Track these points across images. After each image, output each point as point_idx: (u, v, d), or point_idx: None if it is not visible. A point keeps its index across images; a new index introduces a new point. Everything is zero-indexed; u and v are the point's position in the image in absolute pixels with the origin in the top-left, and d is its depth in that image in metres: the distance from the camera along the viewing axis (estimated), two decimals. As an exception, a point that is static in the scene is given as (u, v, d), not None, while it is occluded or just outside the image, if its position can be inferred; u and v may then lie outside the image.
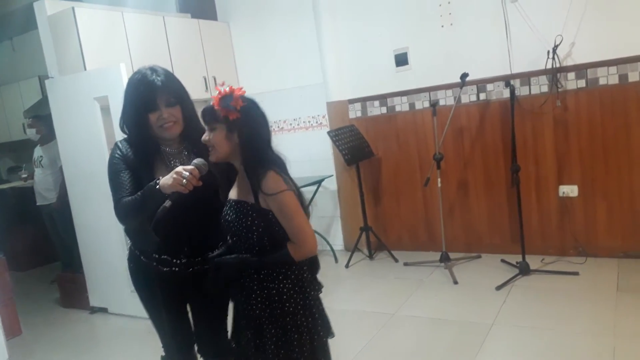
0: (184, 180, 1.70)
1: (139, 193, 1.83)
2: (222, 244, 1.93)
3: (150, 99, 1.86)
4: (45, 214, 4.96)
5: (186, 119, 1.95)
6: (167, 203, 1.71)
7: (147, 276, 2.06)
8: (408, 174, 4.68)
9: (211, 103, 1.71)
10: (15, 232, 5.90)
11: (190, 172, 1.72)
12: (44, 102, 5.07)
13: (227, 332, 2.12)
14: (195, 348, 2.23)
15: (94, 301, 4.30)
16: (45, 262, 5.94)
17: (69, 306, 4.49)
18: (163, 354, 2.24)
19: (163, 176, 1.79)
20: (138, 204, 1.82)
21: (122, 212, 1.88)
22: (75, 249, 4.37)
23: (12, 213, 5.85)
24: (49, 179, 4.84)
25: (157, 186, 1.76)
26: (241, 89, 1.70)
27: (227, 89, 1.68)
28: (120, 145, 1.98)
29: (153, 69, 1.93)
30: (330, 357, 1.90)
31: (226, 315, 2.14)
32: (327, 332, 1.85)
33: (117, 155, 1.95)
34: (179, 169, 1.74)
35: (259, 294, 1.72)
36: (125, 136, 2.01)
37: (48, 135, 4.80)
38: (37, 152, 4.96)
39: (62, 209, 4.63)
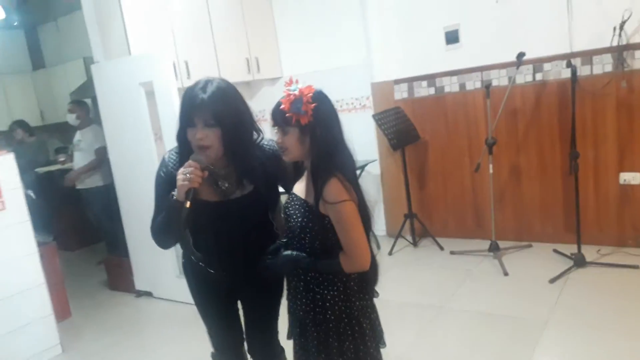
0: (187, 175, 1.68)
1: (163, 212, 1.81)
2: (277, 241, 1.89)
3: (189, 113, 1.73)
4: (84, 197, 5.07)
5: (228, 143, 1.75)
6: (186, 203, 1.70)
7: (196, 274, 2.04)
8: (456, 159, 4.49)
9: (280, 106, 1.62)
10: (63, 212, 6.06)
11: (188, 166, 1.70)
12: (88, 84, 5.11)
13: (278, 334, 2.06)
14: (246, 347, 2.19)
15: (139, 285, 4.36)
16: (92, 242, 6.07)
17: (116, 289, 4.58)
18: (212, 350, 2.22)
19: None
20: (165, 220, 1.80)
21: (155, 234, 1.88)
22: (118, 232, 4.44)
23: (59, 194, 5.98)
24: (86, 163, 4.92)
25: (174, 197, 1.73)
26: (310, 87, 1.62)
27: (297, 91, 1.60)
28: (167, 159, 1.90)
29: (207, 82, 1.75)
30: None
31: (277, 316, 2.08)
32: (377, 341, 1.80)
33: (162, 173, 1.88)
34: (179, 171, 1.72)
35: (304, 295, 1.73)
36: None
37: (86, 120, 4.92)
38: (77, 135, 5.03)
39: (97, 193, 4.76)
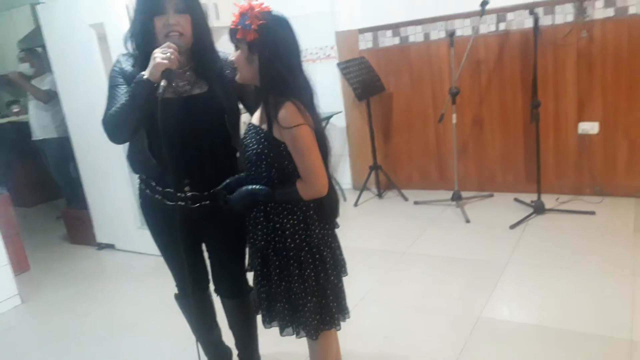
0: (168, 54, 1.65)
1: (126, 93, 1.73)
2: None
3: (158, 0, 1.69)
4: (40, 149, 4.89)
5: (195, 34, 1.75)
6: (163, 82, 1.66)
7: (156, 211, 1.98)
8: (421, 110, 4.49)
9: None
10: (19, 167, 5.83)
11: (167, 47, 1.68)
12: (37, 31, 4.84)
13: (245, 271, 2.03)
14: (212, 288, 2.17)
15: (100, 237, 4.27)
16: (51, 197, 5.88)
17: (76, 242, 4.47)
18: (176, 291, 2.18)
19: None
20: (128, 103, 1.72)
21: (112, 120, 1.77)
22: (74, 185, 4.31)
23: (13, 148, 5.74)
24: (43, 113, 4.71)
25: (144, 77, 1.68)
26: (262, 4, 1.56)
27: (246, 4, 1.54)
28: (120, 59, 1.85)
29: None
30: (344, 294, 1.86)
31: (243, 254, 2.02)
32: (338, 270, 1.82)
33: (115, 69, 1.83)
34: (156, 50, 1.67)
35: (264, 225, 1.71)
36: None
37: (41, 68, 4.68)
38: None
39: (51, 146, 4.64)
